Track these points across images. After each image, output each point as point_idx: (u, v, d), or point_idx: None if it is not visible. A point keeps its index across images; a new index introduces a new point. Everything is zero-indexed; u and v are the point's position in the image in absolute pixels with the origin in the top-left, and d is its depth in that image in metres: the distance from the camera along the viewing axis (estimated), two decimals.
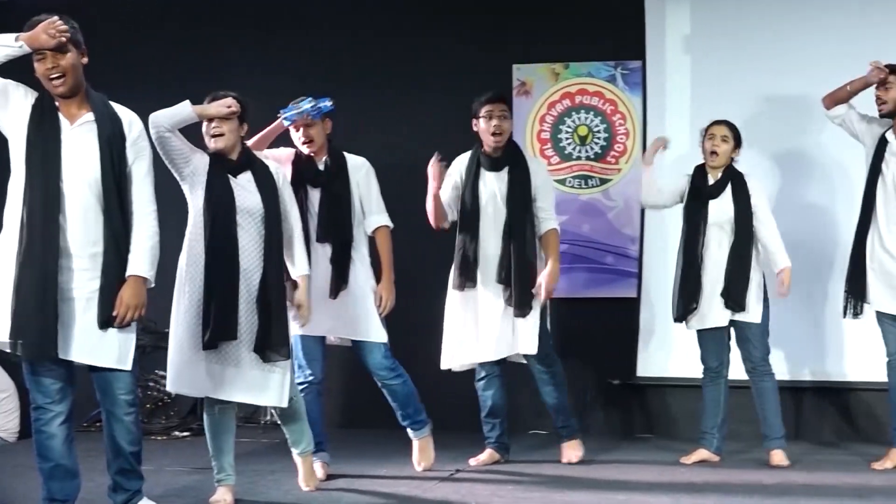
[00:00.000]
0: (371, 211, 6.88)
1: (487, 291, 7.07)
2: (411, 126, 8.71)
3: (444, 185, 7.10)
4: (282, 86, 7.49)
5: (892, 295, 6.92)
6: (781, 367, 7.70)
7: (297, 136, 6.77)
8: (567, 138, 8.65)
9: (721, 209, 7.17)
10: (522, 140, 8.57)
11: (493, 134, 7.08)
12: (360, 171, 6.88)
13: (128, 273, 5.39)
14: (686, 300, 7.18)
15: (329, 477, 6.73)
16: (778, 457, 7.14)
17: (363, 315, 6.78)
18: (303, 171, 6.76)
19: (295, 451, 6.42)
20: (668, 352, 8.32)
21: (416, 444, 7.00)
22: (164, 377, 8.27)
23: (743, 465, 7.20)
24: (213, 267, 5.90)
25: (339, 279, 6.73)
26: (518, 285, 6.98)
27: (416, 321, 7.60)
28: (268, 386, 6.02)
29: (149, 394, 8.48)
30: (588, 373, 8.25)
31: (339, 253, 6.75)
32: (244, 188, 6.00)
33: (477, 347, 7.11)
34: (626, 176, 8.54)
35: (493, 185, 7.10)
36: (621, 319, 8.22)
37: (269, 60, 8.94)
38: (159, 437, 8.23)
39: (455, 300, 7.15)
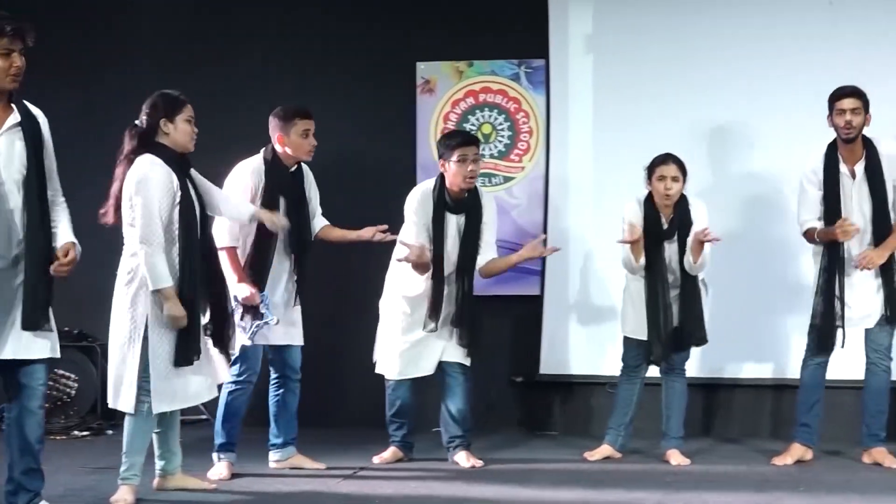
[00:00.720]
0: (316, 214, 7.06)
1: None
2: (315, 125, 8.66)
3: (417, 230, 7.09)
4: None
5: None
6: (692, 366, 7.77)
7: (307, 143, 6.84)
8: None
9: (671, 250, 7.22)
10: (427, 138, 8.58)
11: (468, 178, 7.09)
12: (310, 177, 7.04)
13: (63, 241, 5.43)
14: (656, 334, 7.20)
15: (234, 476, 6.68)
16: (677, 456, 7.21)
17: (299, 320, 6.94)
18: (276, 180, 6.79)
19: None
20: (570, 349, 8.36)
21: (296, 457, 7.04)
22: (63, 376, 8.25)
23: (645, 461, 7.27)
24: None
25: (302, 288, 6.91)
26: (468, 325, 7.16)
27: (336, 322, 7.56)
28: None
29: (48, 393, 8.33)
30: (492, 370, 8.24)
31: (304, 262, 6.91)
32: None
33: (419, 362, 7.17)
34: (529, 174, 8.56)
35: (453, 227, 7.14)
36: (525, 317, 8.25)
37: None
38: (58, 437, 8.09)
39: (401, 312, 7.18)
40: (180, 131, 6.09)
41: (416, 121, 8.64)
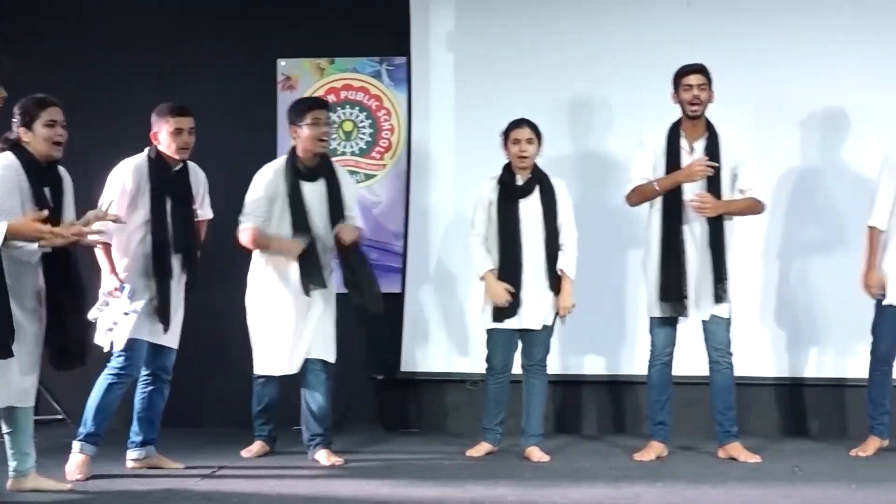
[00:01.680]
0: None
1: (310, 299, 7.11)
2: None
3: (260, 202, 7.11)
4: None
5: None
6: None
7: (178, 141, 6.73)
8: (332, 133, 8.60)
9: (531, 208, 7.27)
10: (288, 135, 8.46)
11: (320, 142, 7.11)
12: (200, 176, 7.01)
13: None
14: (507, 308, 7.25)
15: (92, 476, 6.56)
16: (537, 453, 7.26)
17: (181, 322, 6.91)
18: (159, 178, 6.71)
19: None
20: (432, 347, 8.38)
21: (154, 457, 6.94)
22: None
23: (505, 458, 7.30)
24: None
25: (192, 286, 6.87)
26: (368, 286, 7.19)
27: (200, 320, 7.47)
28: None
29: None
30: (352, 368, 8.22)
31: (193, 261, 6.86)
32: None
33: (289, 359, 7.14)
34: (390, 172, 8.56)
35: (313, 196, 7.13)
36: (386, 315, 8.22)
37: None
38: None
39: (270, 306, 7.16)
40: (39, 137, 6.04)
41: (277, 118, 8.56)
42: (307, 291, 7.05)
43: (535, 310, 7.26)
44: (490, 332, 7.34)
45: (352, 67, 8.66)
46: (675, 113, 7.22)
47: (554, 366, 7.71)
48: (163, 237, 6.66)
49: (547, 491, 6.24)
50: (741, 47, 8.11)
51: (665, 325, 7.22)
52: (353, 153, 8.58)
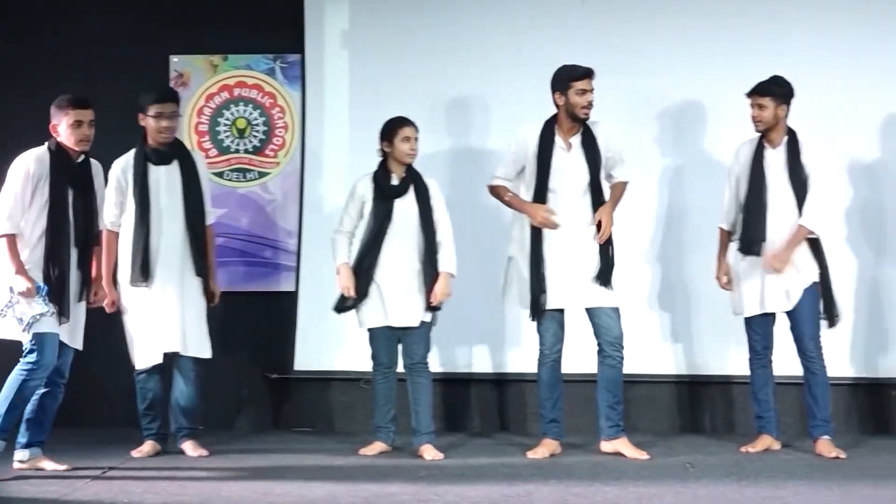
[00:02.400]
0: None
1: (172, 286, 7.14)
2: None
3: (116, 198, 7.21)
4: None
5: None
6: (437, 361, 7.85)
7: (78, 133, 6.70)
8: (225, 131, 8.56)
9: (406, 208, 7.28)
10: (181, 132, 8.42)
11: (161, 132, 7.16)
12: (99, 170, 6.99)
13: None
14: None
15: None
16: (430, 450, 7.27)
17: (83, 320, 6.88)
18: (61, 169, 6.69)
19: None
20: (326, 345, 8.34)
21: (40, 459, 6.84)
22: None
23: (399, 456, 7.30)
24: None
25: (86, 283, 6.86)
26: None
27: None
28: None
29: None
30: (245, 367, 8.17)
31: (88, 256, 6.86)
32: None
33: (163, 344, 7.16)
34: (284, 169, 8.51)
35: (163, 179, 7.18)
36: (280, 313, 8.18)
37: None
38: None
39: (136, 296, 7.16)
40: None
41: None
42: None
43: (409, 308, 7.27)
44: (371, 330, 7.36)
45: (245, 64, 8.60)
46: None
47: (441, 364, 7.77)
48: (62, 227, 6.60)
49: (439, 489, 6.24)
50: (623, 46, 8.20)
51: (552, 322, 7.26)
52: (246, 151, 8.52)
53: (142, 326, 7.16)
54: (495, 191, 7.38)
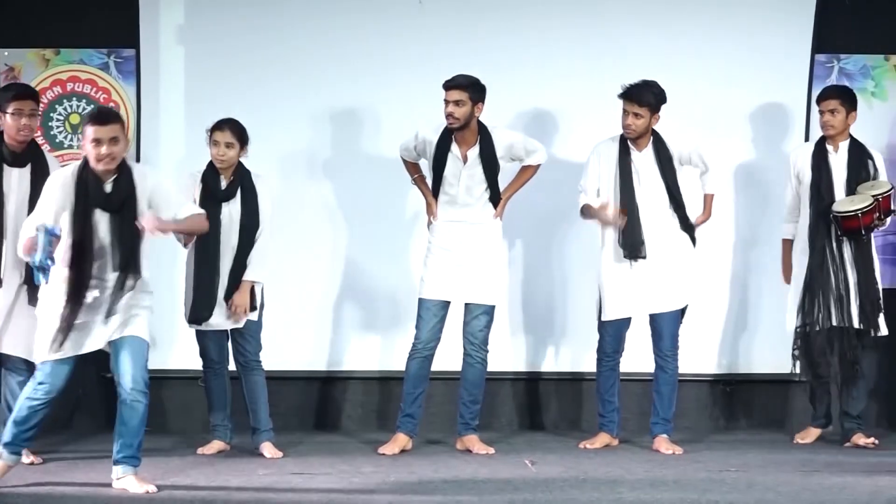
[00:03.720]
0: None
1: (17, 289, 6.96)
2: None
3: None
4: None
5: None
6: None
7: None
8: (59, 126, 8.41)
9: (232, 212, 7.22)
10: None
11: (21, 129, 6.98)
12: None
13: None
14: (202, 308, 7.22)
15: None
16: (270, 448, 7.27)
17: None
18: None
19: None
20: (163, 344, 8.22)
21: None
22: None
23: (242, 454, 7.29)
24: None
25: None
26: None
27: None
28: None
29: None
30: (81, 367, 8.01)
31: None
32: None
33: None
34: None
35: (15, 181, 6.99)
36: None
37: None
38: None
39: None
40: None
41: None
42: None
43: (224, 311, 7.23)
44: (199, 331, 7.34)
45: (79, 59, 8.46)
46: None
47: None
48: None
49: (281, 487, 6.24)
50: (475, 48, 8.27)
51: (432, 316, 7.33)
52: (80, 146, 8.36)
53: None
54: (404, 162, 7.55)
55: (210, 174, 7.25)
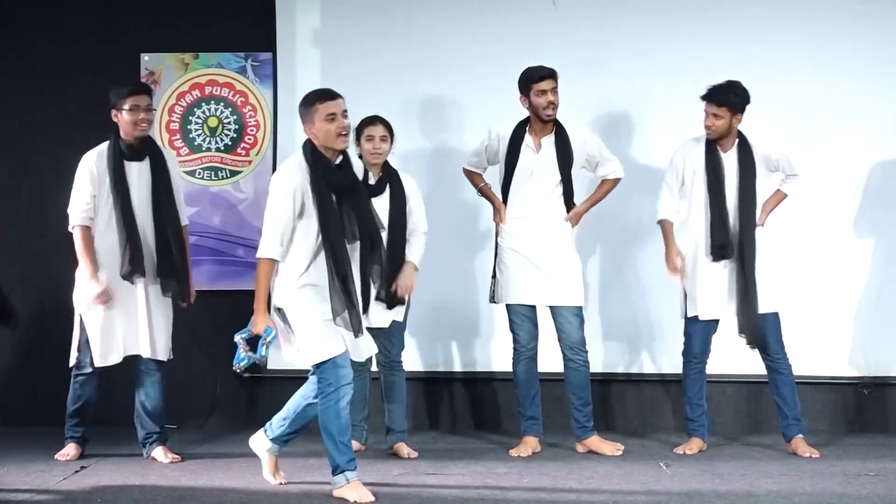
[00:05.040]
0: None
1: (140, 286, 7.12)
2: (35, 118, 8.42)
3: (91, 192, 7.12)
4: None
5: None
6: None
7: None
8: (197, 129, 8.54)
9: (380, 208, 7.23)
10: (153, 131, 8.42)
11: (138, 124, 7.12)
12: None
13: None
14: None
15: None
16: (404, 449, 7.30)
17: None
18: None
19: None
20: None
21: None
22: None
23: (377, 454, 7.32)
24: None
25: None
26: (181, 277, 7.22)
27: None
28: None
29: None
30: (218, 366, 8.15)
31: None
32: None
33: (127, 346, 7.13)
34: (256, 168, 8.50)
35: (135, 175, 7.14)
36: (252, 312, 8.13)
37: None
38: None
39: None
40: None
41: None
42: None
43: (382, 308, 7.26)
44: None
45: (217, 63, 8.59)
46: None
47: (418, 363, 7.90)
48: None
49: (415, 487, 6.28)
50: (606, 47, 8.25)
51: (525, 320, 7.33)
52: (218, 149, 8.51)
53: (105, 325, 7.09)
54: (469, 174, 7.58)
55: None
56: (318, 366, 6.07)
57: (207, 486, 6.42)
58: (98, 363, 7.09)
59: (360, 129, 7.31)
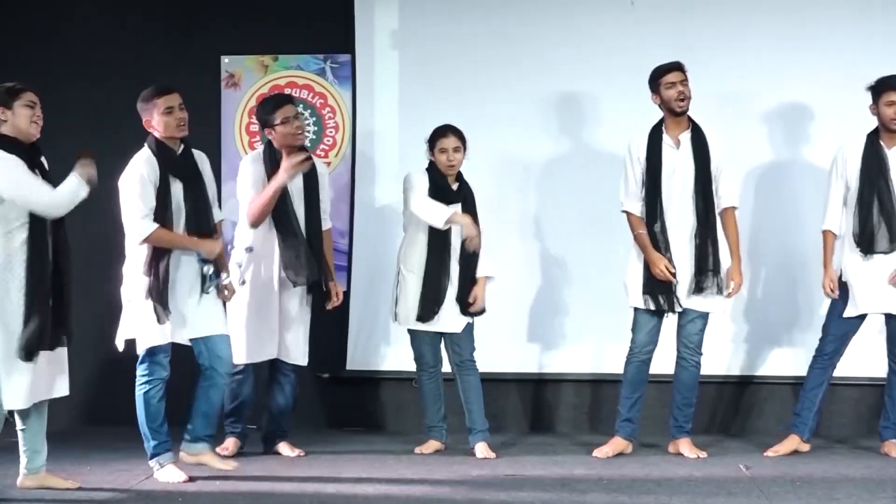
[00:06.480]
0: None
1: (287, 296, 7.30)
2: (119, 120, 8.48)
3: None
4: None
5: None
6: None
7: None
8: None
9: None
10: (232, 132, 8.50)
11: (297, 136, 7.24)
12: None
13: None
14: (429, 309, 7.28)
15: None
16: (483, 449, 7.28)
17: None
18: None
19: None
20: (377, 345, 8.37)
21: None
22: None
23: (456, 454, 7.32)
24: None
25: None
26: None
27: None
28: None
29: None
30: (298, 367, 8.19)
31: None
32: None
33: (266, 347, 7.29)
34: (336, 169, 8.53)
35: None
36: (332, 313, 8.18)
37: None
38: None
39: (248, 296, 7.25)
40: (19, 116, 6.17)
41: (220, 115, 8.55)
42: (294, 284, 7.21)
43: (454, 313, 7.30)
44: (412, 331, 7.42)
45: (296, 65, 8.63)
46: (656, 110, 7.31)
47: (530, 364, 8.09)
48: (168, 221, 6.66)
49: (490, 491, 6.24)
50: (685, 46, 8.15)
51: (648, 321, 7.24)
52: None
53: (250, 326, 7.20)
54: (630, 219, 7.29)
55: (438, 176, 7.32)
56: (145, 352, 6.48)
57: (285, 485, 6.44)
58: (246, 360, 7.20)
59: (433, 140, 7.32)
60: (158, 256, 6.46)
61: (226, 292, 6.71)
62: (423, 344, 7.40)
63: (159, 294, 6.43)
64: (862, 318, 7.21)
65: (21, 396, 6.03)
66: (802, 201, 8.02)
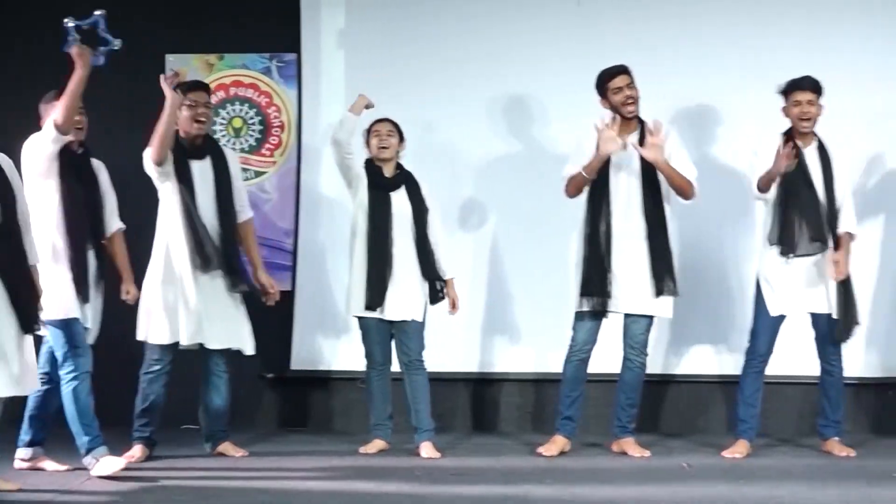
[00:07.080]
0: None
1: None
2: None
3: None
4: None
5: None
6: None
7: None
8: (221, 130, 8.56)
9: (400, 203, 7.33)
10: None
11: (197, 122, 7.20)
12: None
13: None
14: (375, 293, 7.28)
15: None
16: (429, 448, 7.30)
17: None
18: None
19: None
20: (322, 345, 8.36)
21: None
22: None
23: (401, 454, 7.33)
24: None
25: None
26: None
27: None
28: None
29: None
30: (242, 367, 8.16)
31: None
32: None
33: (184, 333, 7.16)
34: (281, 168, 8.52)
35: (198, 173, 7.15)
36: (276, 313, 8.16)
37: None
38: None
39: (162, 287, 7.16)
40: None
41: None
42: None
43: (404, 302, 7.31)
44: (362, 322, 7.37)
45: (241, 64, 8.61)
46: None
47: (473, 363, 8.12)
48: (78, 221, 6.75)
49: (435, 488, 6.27)
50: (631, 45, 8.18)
51: (588, 321, 7.26)
52: (242, 150, 8.53)
53: (165, 312, 7.08)
54: (571, 181, 7.23)
55: (372, 166, 7.37)
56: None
57: (231, 485, 6.43)
58: (152, 340, 7.11)
59: (368, 130, 7.39)
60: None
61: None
62: (373, 343, 7.40)
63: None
64: (783, 318, 7.29)
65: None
66: (726, 215, 8.15)
